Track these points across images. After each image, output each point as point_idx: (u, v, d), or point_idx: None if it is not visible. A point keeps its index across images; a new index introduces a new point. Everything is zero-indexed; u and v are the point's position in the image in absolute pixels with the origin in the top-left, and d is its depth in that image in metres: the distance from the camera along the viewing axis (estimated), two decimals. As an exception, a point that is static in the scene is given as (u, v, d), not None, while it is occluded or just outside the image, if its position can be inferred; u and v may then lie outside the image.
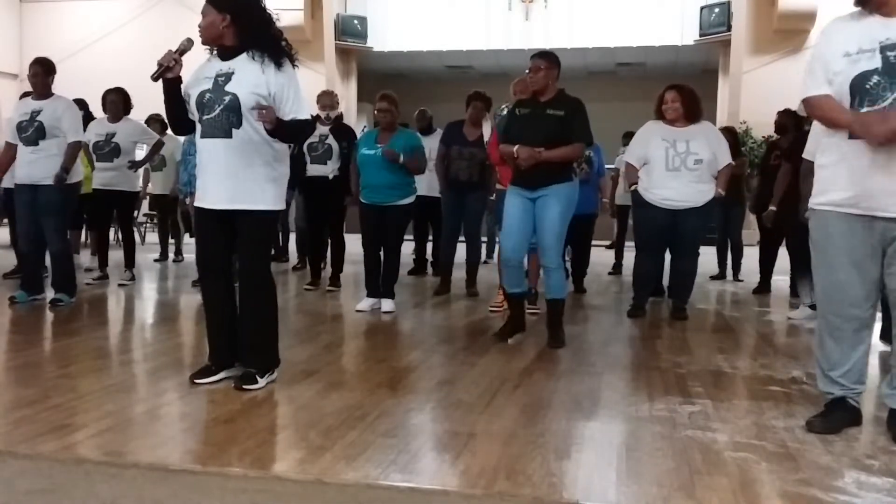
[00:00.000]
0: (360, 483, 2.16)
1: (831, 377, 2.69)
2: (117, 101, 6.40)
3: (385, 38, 15.30)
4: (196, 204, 3.21)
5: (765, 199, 5.88)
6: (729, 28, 13.61)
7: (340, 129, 6.22)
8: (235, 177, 3.06)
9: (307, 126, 3.23)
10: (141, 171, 7.04)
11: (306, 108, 3.16)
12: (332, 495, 2.12)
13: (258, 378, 3.11)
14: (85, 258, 7.66)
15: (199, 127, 3.13)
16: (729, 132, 7.30)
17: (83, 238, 8.70)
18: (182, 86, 3.13)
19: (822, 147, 2.68)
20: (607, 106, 14.92)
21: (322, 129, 6.11)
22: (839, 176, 2.57)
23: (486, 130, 5.96)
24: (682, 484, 2.18)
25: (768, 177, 6.05)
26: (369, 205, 5.20)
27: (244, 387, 3.07)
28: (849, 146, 2.53)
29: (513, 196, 4.15)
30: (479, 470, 2.26)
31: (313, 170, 6.11)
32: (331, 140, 6.07)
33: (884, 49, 2.44)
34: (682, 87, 5.05)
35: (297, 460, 2.32)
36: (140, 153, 6.95)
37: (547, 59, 4.12)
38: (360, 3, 15.36)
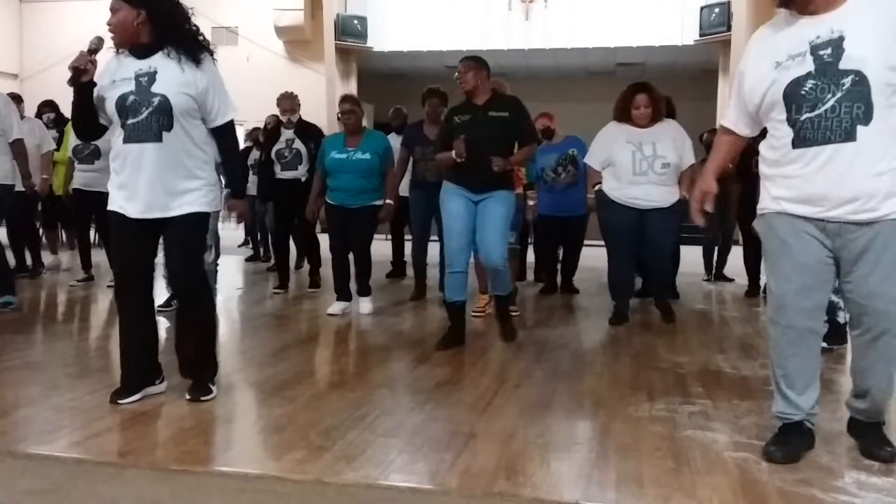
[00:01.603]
0: (360, 483, 2.16)
1: (789, 399, 2.44)
2: None
3: (385, 38, 15.30)
4: (116, 210, 2.92)
5: (747, 203, 5.73)
6: (729, 28, 13.60)
7: (306, 131, 6.06)
8: (168, 182, 2.86)
9: (234, 135, 3.08)
10: None
11: (231, 106, 2.99)
12: (332, 495, 2.12)
13: (211, 387, 3.01)
14: (63, 259, 7.56)
15: (120, 132, 2.89)
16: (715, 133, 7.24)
17: (61, 239, 8.62)
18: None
19: (766, 155, 2.47)
20: (607, 106, 14.83)
21: (287, 134, 5.99)
22: (785, 186, 2.38)
23: None
24: (682, 484, 2.18)
25: (749, 181, 5.82)
26: (336, 206, 5.12)
27: (202, 399, 2.94)
28: (794, 154, 2.33)
29: (455, 196, 4.06)
30: (479, 470, 2.26)
31: (284, 175, 5.99)
32: (298, 144, 5.96)
33: (814, 49, 2.26)
34: (651, 88, 4.87)
35: (297, 460, 2.32)
36: None
37: (474, 60, 4.11)
38: (360, 3, 15.36)
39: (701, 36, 14.13)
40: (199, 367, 3.03)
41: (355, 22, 15.11)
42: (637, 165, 4.76)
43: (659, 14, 14.29)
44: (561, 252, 6.61)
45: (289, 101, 6.07)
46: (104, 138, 6.10)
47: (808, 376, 2.43)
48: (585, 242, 6.54)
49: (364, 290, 5.17)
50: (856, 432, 2.54)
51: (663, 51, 14.65)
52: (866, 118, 2.21)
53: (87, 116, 2.97)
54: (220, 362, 3.29)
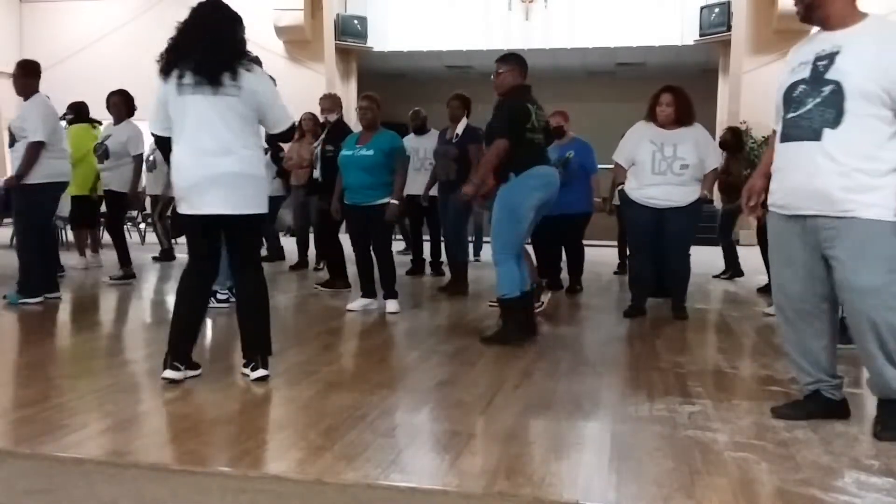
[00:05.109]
0: (360, 483, 2.16)
1: (800, 366, 2.78)
2: (119, 104, 6.43)
3: (385, 38, 15.29)
4: (186, 212, 3.22)
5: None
6: (729, 28, 13.60)
7: (340, 130, 6.12)
8: (230, 183, 3.15)
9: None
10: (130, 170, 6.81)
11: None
12: (332, 495, 2.12)
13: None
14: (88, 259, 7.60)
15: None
16: (731, 132, 7.33)
17: (87, 239, 8.66)
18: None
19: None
20: (607, 106, 14.95)
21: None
22: (776, 179, 2.74)
23: (461, 128, 6.06)
24: (682, 484, 2.18)
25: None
26: (352, 206, 5.17)
27: (262, 376, 3.21)
28: (779, 148, 2.69)
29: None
30: (479, 470, 2.26)
31: (317, 174, 6.14)
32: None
33: (816, 60, 2.59)
34: (678, 89, 5.04)
35: (297, 460, 2.32)
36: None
37: (515, 64, 4.34)
38: (360, 3, 15.35)
39: (701, 36, 14.12)
40: (260, 348, 3.30)
41: (355, 22, 15.10)
42: (656, 165, 4.95)
43: (659, 14, 14.29)
44: (564, 253, 6.62)
45: (328, 101, 6.29)
46: (116, 139, 6.38)
47: (815, 350, 2.74)
48: (585, 242, 6.55)
49: (390, 293, 5.14)
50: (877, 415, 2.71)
51: (663, 51, 14.65)
52: (835, 122, 2.52)
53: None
54: (219, 361, 3.31)
